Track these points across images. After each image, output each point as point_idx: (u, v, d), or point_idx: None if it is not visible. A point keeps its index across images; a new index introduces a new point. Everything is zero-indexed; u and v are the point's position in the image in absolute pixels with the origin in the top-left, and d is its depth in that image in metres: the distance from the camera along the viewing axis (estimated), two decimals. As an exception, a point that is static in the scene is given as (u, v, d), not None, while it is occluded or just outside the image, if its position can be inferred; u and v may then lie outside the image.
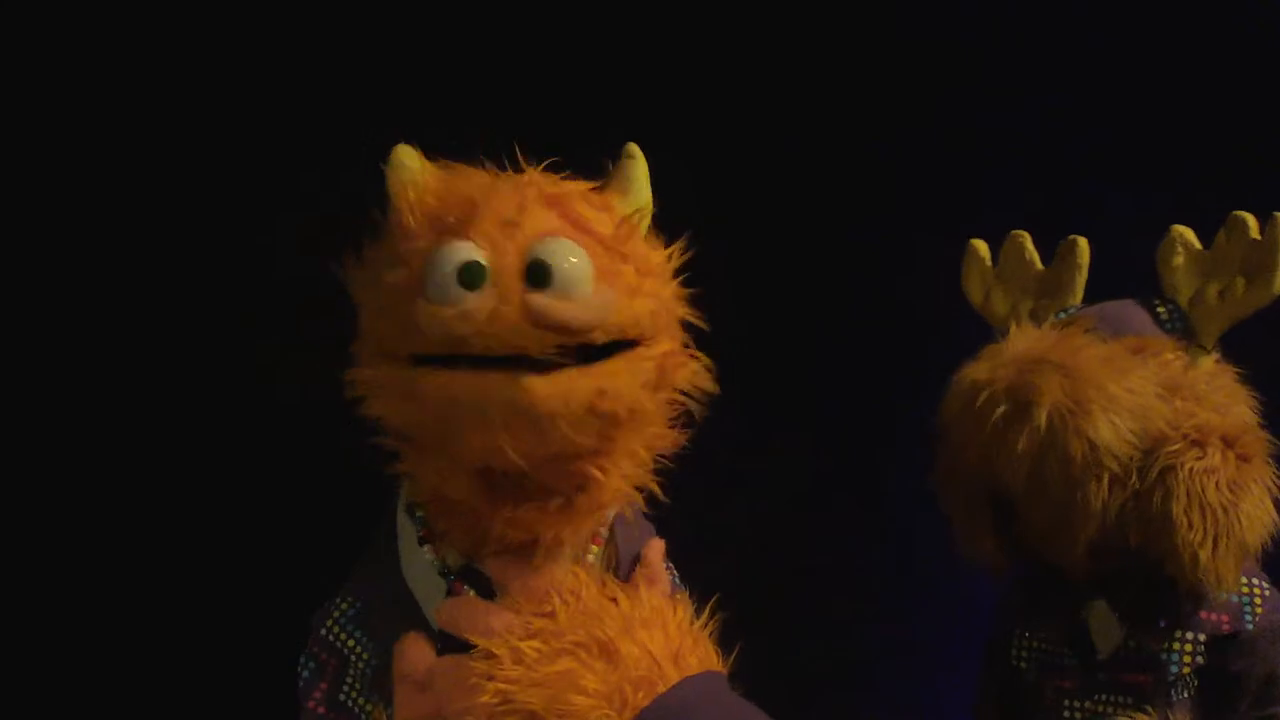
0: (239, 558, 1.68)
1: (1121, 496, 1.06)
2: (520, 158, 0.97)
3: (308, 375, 1.72)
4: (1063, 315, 1.22)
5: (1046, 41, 1.80)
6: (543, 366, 0.88)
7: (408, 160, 0.97)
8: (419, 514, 1.02)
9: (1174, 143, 1.72)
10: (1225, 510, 1.03)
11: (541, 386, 0.87)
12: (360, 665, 1.02)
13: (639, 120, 1.54)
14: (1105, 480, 1.05)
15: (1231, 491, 1.04)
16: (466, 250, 0.89)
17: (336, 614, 1.04)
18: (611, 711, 0.87)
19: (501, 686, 0.88)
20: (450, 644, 0.95)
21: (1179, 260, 1.22)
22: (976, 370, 1.08)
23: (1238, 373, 1.15)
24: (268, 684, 1.62)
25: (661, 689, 0.88)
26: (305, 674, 1.04)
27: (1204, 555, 1.03)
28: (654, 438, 0.98)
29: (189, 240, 1.71)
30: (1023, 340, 1.10)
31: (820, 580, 1.73)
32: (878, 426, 1.63)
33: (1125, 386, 1.05)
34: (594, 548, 1.02)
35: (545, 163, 0.97)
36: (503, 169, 0.97)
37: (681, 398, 0.98)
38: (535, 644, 0.90)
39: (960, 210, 1.73)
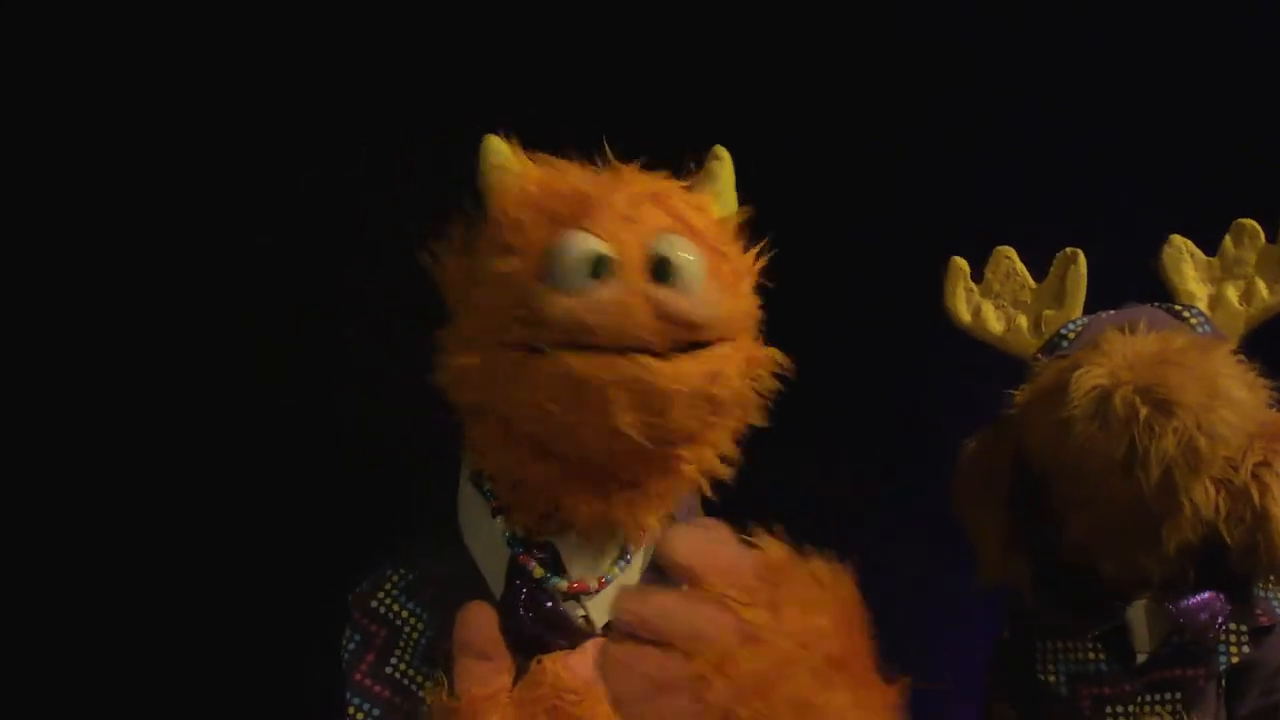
0: (239, 558, 1.68)
1: (1221, 494, 1.07)
2: (609, 154, 1.01)
3: (308, 376, 1.73)
4: (1073, 324, 1.22)
5: (1046, 41, 1.79)
6: (659, 356, 0.92)
7: (501, 152, 0.99)
8: (488, 487, 1.03)
9: (1174, 143, 1.72)
10: None
11: (664, 368, 0.91)
12: (414, 636, 1.02)
13: (638, 121, 1.54)
14: (1207, 479, 1.06)
15: None
16: (592, 242, 0.92)
17: (388, 585, 1.04)
18: None
19: (713, 695, 0.74)
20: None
21: (1188, 266, 1.23)
22: (1093, 377, 1.06)
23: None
24: (267, 684, 1.63)
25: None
26: (351, 646, 1.04)
27: None
28: (738, 427, 1.02)
29: (189, 240, 1.71)
30: (1126, 344, 1.09)
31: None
32: (877, 427, 1.63)
33: (1238, 383, 1.07)
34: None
35: (636, 161, 1.01)
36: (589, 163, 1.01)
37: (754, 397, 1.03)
38: (761, 637, 0.76)
39: (960, 210, 1.73)
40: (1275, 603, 1.13)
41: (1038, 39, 1.80)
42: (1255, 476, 1.07)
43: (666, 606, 0.77)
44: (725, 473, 1.03)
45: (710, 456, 1.01)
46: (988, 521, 1.17)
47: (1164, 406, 1.03)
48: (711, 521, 0.85)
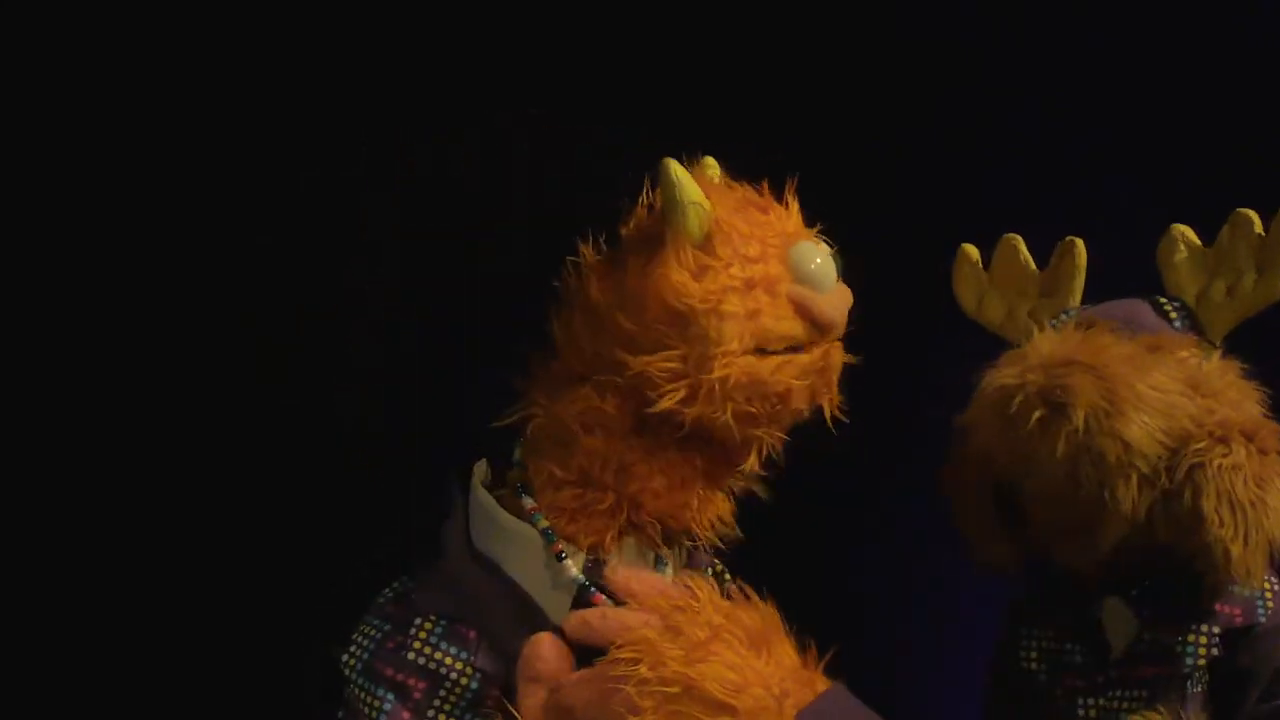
0: (239, 558, 1.68)
1: (1150, 495, 1.05)
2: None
3: (308, 376, 1.73)
4: (1065, 316, 1.21)
5: (1046, 41, 1.79)
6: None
7: (682, 174, 1.01)
8: (543, 525, 1.01)
9: (1174, 142, 1.72)
10: (1253, 505, 1.03)
11: (839, 351, 1.06)
12: (464, 681, 0.99)
13: (637, 121, 1.55)
14: (1135, 480, 1.05)
15: (1259, 486, 1.04)
16: (820, 248, 1.05)
17: (422, 634, 1.00)
18: (771, 701, 0.87)
19: (649, 672, 0.88)
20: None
21: (1181, 258, 1.21)
22: (1003, 375, 1.06)
23: (1242, 367, 1.15)
24: (267, 683, 1.63)
25: (821, 688, 0.90)
26: (386, 707, 0.99)
27: (1235, 550, 1.02)
28: None
29: (189, 240, 1.71)
30: (1048, 343, 1.08)
31: (819, 584, 1.73)
32: (876, 429, 1.63)
33: (1151, 384, 1.05)
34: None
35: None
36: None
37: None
38: (683, 624, 0.91)
39: (960, 210, 1.73)
40: (1259, 603, 1.11)
41: (1038, 39, 1.80)
42: (1189, 477, 1.05)
43: (607, 619, 0.94)
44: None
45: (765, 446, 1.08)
46: (976, 517, 1.17)
47: (1060, 409, 1.02)
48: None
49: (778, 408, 1.00)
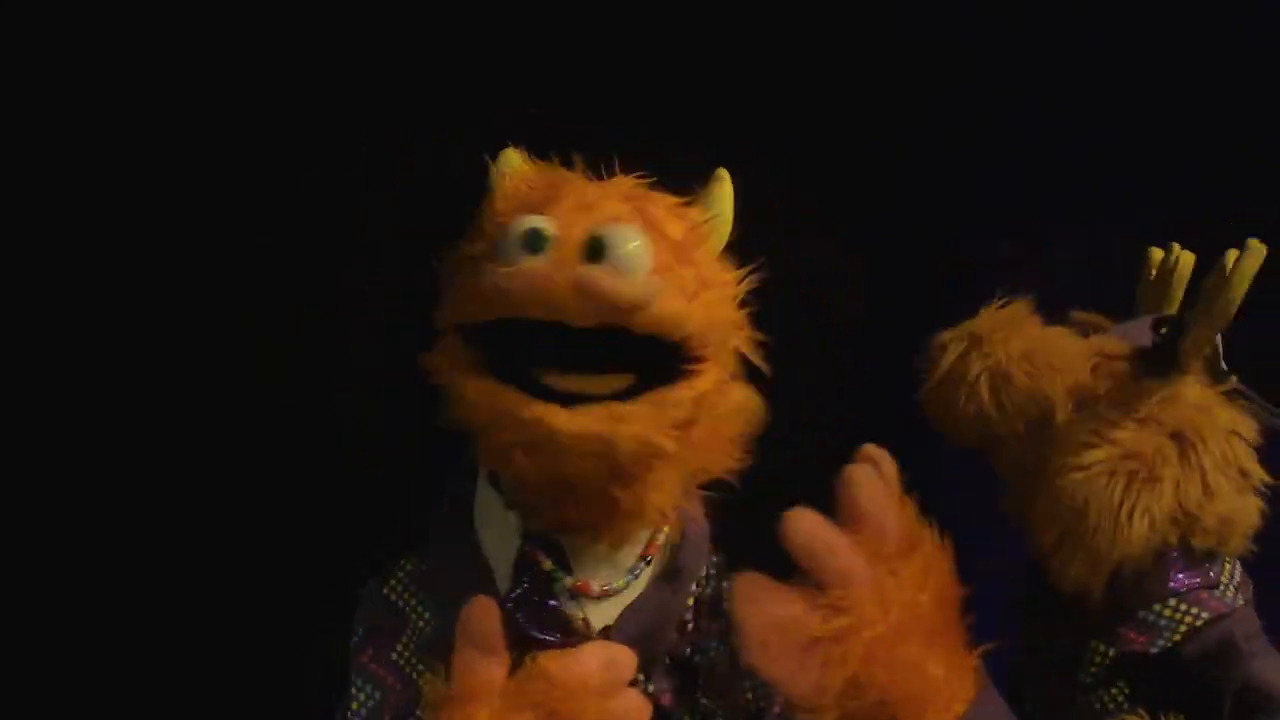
0: (238, 558, 1.68)
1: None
2: (618, 171, 1.05)
3: (308, 376, 1.73)
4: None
5: (1046, 41, 1.80)
6: (566, 400, 0.93)
7: (513, 160, 1.05)
8: (501, 483, 1.05)
9: (1174, 143, 1.72)
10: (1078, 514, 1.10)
11: (563, 418, 0.92)
12: (421, 625, 1.04)
13: (633, 122, 1.55)
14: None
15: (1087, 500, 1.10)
16: (534, 220, 0.96)
17: (400, 573, 1.07)
18: (940, 702, 0.83)
19: (855, 637, 0.81)
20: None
21: (1142, 285, 1.28)
22: (944, 335, 1.24)
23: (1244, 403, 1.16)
24: (268, 682, 1.63)
25: (975, 691, 0.85)
26: (360, 630, 1.06)
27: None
28: (698, 463, 1.02)
29: (190, 240, 1.71)
30: (989, 315, 1.23)
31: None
32: (878, 427, 1.63)
33: (1065, 340, 1.19)
34: (664, 527, 1.07)
35: (637, 174, 1.04)
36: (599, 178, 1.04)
37: (735, 426, 1.03)
38: (890, 593, 0.83)
39: (960, 210, 1.74)
40: (1165, 633, 1.12)
41: (1038, 39, 1.80)
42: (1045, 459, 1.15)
43: (832, 544, 0.83)
44: (688, 503, 1.05)
45: (662, 497, 1.01)
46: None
47: (976, 343, 1.20)
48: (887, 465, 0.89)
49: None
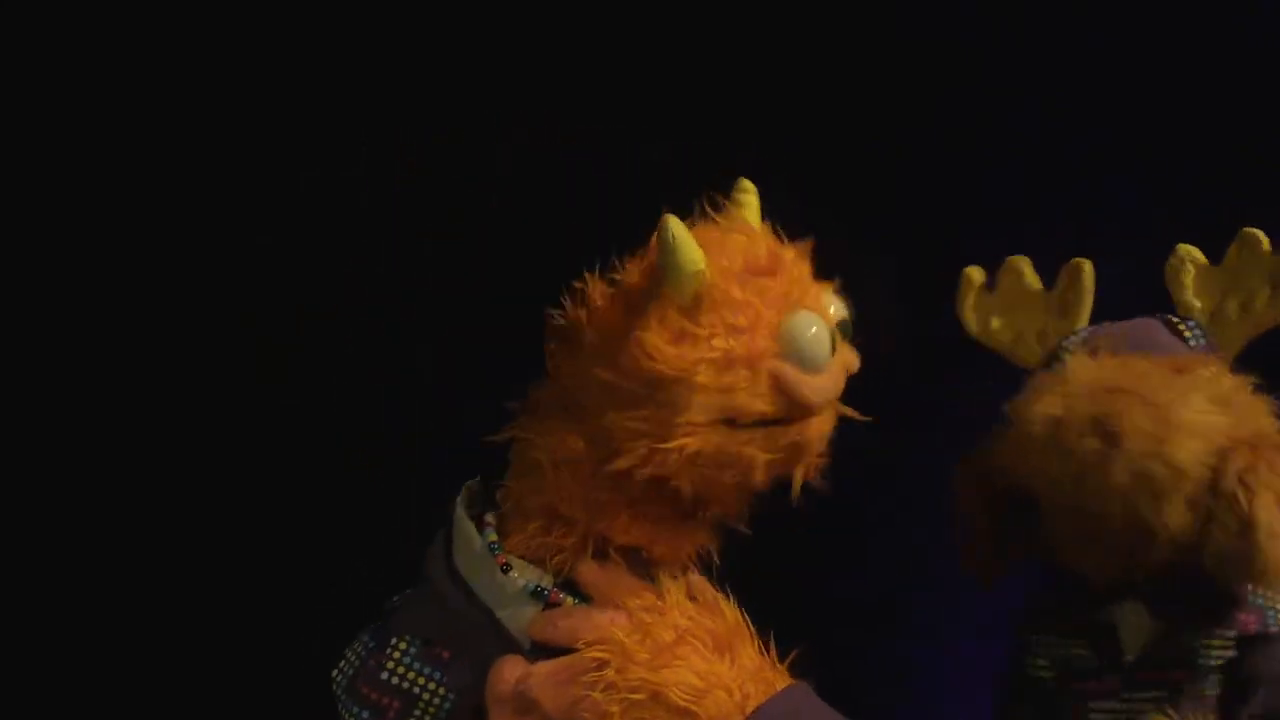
0: (237, 558, 1.68)
1: (1194, 516, 1.05)
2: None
3: (308, 375, 1.73)
4: (1075, 336, 1.22)
5: (1046, 41, 1.79)
6: None
7: (681, 233, 0.94)
8: (491, 539, 1.01)
9: (1174, 143, 1.72)
10: None
11: (824, 424, 0.99)
12: (436, 702, 1.00)
13: (634, 120, 1.55)
14: (1182, 502, 1.04)
15: None
16: (819, 319, 0.96)
17: (396, 654, 1.01)
18: (733, 705, 0.89)
19: (615, 675, 0.89)
20: (545, 656, 0.96)
21: (1190, 277, 1.22)
22: (1046, 404, 1.05)
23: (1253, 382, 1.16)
24: (265, 682, 1.63)
25: (779, 686, 0.91)
26: (365, 715, 1.01)
27: None
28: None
29: (189, 240, 1.71)
30: (1085, 369, 1.08)
31: (818, 592, 1.73)
32: (878, 432, 1.63)
33: (1194, 409, 1.05)
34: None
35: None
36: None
37: None
38: (650, 626, 0.91)
39: (961, 211, 1.73)
40: (1271, 611, 1.13)
41: (1038, 39, 1.80)
42: (1242, 483, 1.07)
43: (573, 617, 0.94)
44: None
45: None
46: (977, 528, 1.18)
47: (1112, 438, 1.01)
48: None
49: (742, 478, 0.96)
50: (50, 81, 1.66)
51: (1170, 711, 1.09)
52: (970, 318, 1.29)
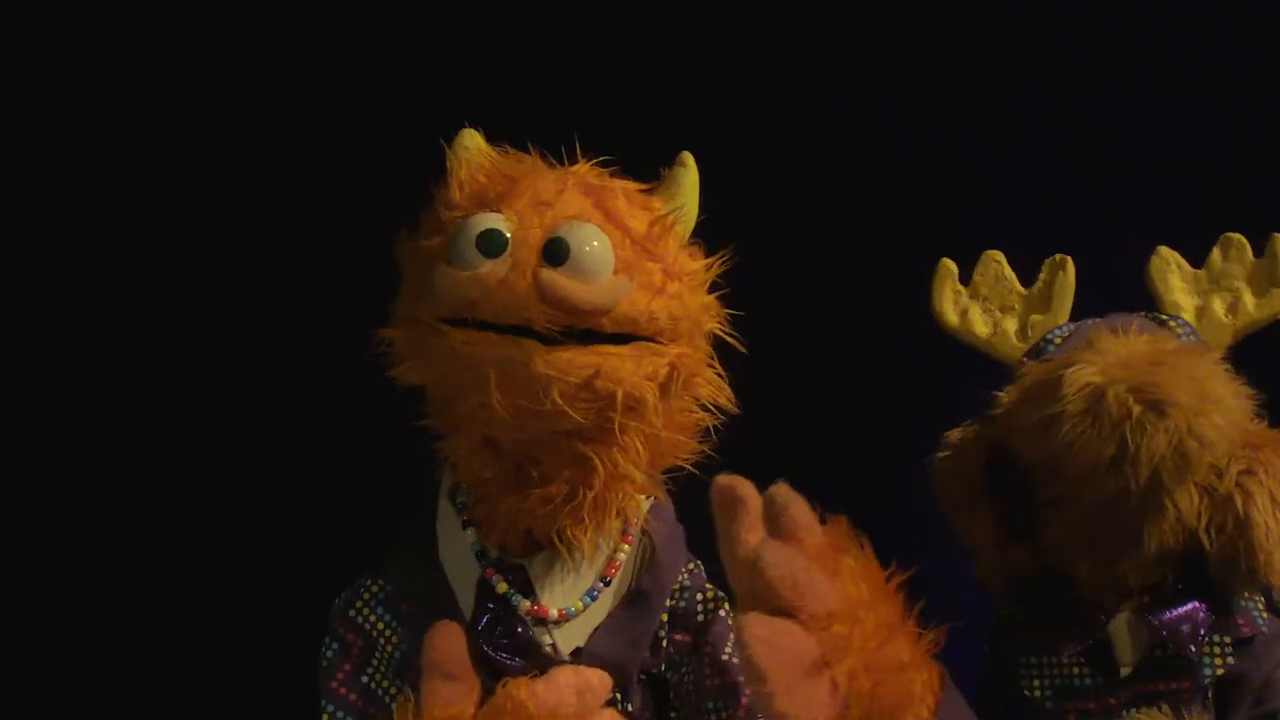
0: (236, 558, 1.69)
1: (1204, 500, 1.09)
2: (578, 154, 1.02)
3: (308, 375, 1.73)
4: (1059, 331, 1.22)
5: (1046, 41, 1.80)
6: (547, 342, 0.93)
7: (469, 142, 1.02)
8: (460, 499, 1.04)
9: (1174, 144, 1.72)
10: None
11: (540, 353, 0.92)
12: (389, 648, 1.03)
13: (633, 121, 1.54)
14: (1196, 483, 1.08)
15: None
16: (493, 220, 0.94)
17: (366, 595, 1.05)
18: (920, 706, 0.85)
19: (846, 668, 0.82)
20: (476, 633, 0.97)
21: (1175, 278, 1.24)
22: (1085, 374, 1.06)
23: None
24: (262, 682, 1.63)
25: (942, 687, 0.88)
26: (329, 654, 1.05)
27: (1278, 557, 1.08)
28: (663, 441, 1.02)
29: (189, 239, 1.71)
30: (1119, 344, 1.09)
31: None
32: (867, 430, 1.63)
33: (1227, 388, 1.07)
34: (624, 546, 1.05)
35: (598, 160, 1.02)
36: (560, 162, 1.02)
37: (699, 411, 1.02)
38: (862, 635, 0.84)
39: (960, 211, 1.74)
40: (1256, 613, 1.13)
41: (1038, 39, 1.80)
42: (1239, 484, 1.08)
43: (807, 568, 0.83)
44: (655, 489, 1.04)
45: (630, 464, 1.00)
46: (972, 520, 1.18)
47: (1157, 406, 1.03)
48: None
49: (477, 391, 0.96)
50: (50, 83, 1.67)
51: (1164, 708, 1.09)
52: (946, 309, 1.30)
